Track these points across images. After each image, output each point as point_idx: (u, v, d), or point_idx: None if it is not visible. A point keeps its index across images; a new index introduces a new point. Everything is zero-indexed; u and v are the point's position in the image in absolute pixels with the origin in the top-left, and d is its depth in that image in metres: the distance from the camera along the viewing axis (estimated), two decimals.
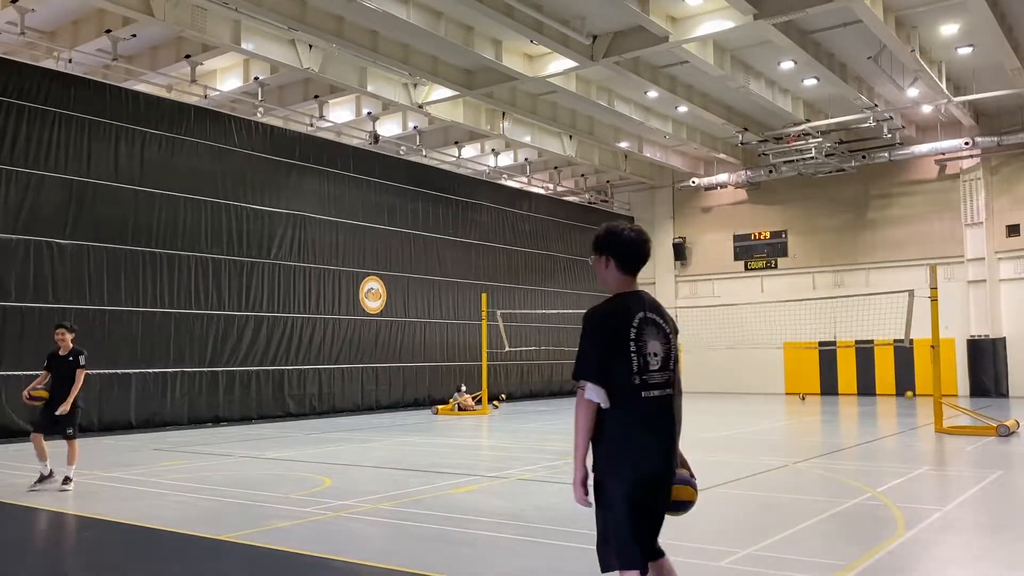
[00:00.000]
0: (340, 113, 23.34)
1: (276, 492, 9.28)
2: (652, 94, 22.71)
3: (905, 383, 27.14)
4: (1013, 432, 14.64)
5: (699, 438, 15.55)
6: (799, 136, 25.05)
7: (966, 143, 25.46)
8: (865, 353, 26.54)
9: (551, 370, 28.83)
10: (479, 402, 21.91)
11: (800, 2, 16.40)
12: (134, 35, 17.69)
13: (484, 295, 23.08)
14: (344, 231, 21.90)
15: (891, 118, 24.14)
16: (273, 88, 21.34)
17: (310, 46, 18.48)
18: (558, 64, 19.59)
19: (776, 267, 30.23)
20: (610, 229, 4.18)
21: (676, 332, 4.08)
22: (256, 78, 19.88)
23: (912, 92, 21.89)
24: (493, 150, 28.04)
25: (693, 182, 30.82)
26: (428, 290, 24.35)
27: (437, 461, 12.02)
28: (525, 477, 10.37)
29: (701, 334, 27.39)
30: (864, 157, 27.07)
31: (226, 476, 10.30)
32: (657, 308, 4.08)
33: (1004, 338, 26.02)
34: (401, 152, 24.54)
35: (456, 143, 26.68)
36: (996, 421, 14.99)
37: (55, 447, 10.00)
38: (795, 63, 20.72)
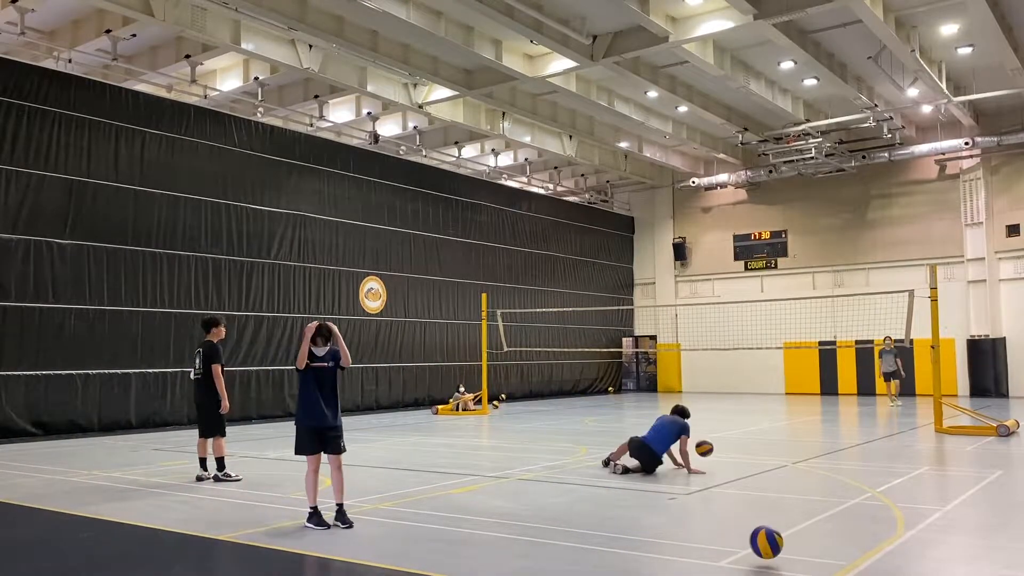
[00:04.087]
0: (340, 113, 23.34)
1: (276, 492, 9.28)
2: (652, 94, 22.71)
3: (906, 383, 27.11)
4: (1013, 432, 14.64)
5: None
6: (799, 136, 25.05)
7: (966, 143, 25.46)
8: (865, 353, 26.51)
9: (551, 370, 28.84)
10: (479, 402, 21.90)
11: (800, 2, 16.40)
12: (134, 35, 17.69)
13: (484, 295, 23.08)
14: (344, 231, 21.89)
15: (891, 118, 24.14)
16: (273, 88, 21.34)
17: (310, 46, 18.48)
18: (558, 64, 19.59)
19: (776, 267, 30.23)
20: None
21: None
22: (256, 78, 19.88)
23: (912, 92, 21.89)
24: (493, 150, 28.03)
25: (693, 182, 30.82)
26: (428, 290, 24.34)
27: (437, 461, 12.02)
28: (525, 477, 10.37)
29: (701, 334, 27.43)
30: (864, 157, 27.07)
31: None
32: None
33: (1004, 338, 26.01)
34: (401, 152, 24.54)
35: (456, 143, 26.68)
36: (996, 421, 14.99)
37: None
38: (795, 63, 20.72)
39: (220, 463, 10.28)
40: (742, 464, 11.39)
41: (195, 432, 10.75)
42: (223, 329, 10.81)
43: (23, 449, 13.74)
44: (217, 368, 10.28)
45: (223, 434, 10.40)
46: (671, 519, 8.01)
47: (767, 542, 6.10)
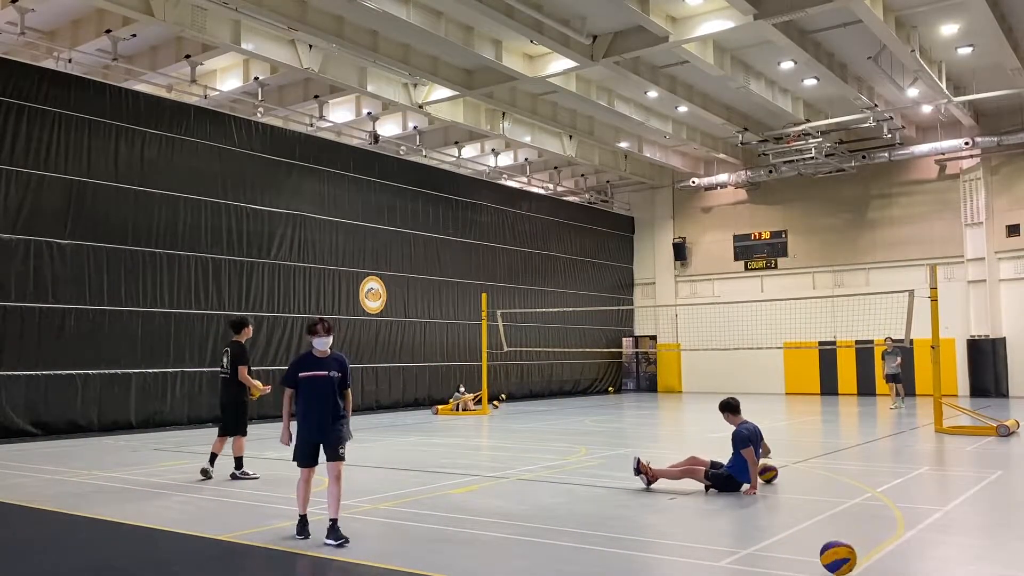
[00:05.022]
0: (340, 113, 23.34)
1: (276, 492, 9.28)
2: (652, 94, 22.71)
3: (906, 383, 27.10)
4: (1013, 432, 14.65)
5: (700, 438, 15.57)
6: (799, 136, 25.05)
7: (966, 143, 25.46)
8: (865, 353, 26.52)
9: (551, 370, 28.84)
10: (479, 402, 21.90)
11: (800, 2, 16.41)
12: (134, 35, 17.70)
13: (484, 295, 23.08)
14: (344, 231, 21.89)
15: (891, 118, 24.15)
16: (273, 88, 21.34)
17: (310, 46, 18.47)
18: (558, 64, 19.59)
19: (776, 267, 30.23)
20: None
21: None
22: (256, 78, 19.88)
23: (912, 92, 21.89)
24: (493, 150, 28.04)
25: (693, 182, 30.83)
26: (428, 290, 24.34)
27: (437, 461, 12.02)
28: (525, 477, 10.37)
29: (701, 334, 27.43)
30: (864, 157, 27.08)
31: (226, 476, 10.30)
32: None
33: (1004, 338, 26.01)
34: (401, 152, 24.54)
35: (456, 143, 26.68)
36: (996, 421, 14.99)
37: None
38: (795, 63, 20.72)
39: (239, 462, 10.40)
40: None
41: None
42: (251, 329, 11.06)
43: (23, 449, 13.74)
44: (243, 370, 10.48)
45: (244, 433, 10.54)
46: (671, 519, 8.01)
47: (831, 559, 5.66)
